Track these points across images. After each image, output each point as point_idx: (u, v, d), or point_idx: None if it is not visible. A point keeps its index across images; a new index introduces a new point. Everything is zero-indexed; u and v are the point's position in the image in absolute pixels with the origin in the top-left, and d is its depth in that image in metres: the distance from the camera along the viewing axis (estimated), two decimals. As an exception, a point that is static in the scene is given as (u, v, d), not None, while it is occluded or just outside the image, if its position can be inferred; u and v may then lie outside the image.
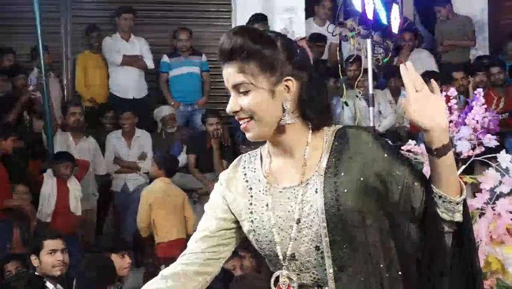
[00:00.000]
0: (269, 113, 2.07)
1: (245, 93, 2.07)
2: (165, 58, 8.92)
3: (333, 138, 2.13)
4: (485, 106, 3.41)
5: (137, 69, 8.80)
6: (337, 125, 2.18)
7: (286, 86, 2.08)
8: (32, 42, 7.94)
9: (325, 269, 2.08)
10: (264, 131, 2.09)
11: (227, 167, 2.33)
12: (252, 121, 2.08)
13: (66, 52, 8.91)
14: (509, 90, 8.30)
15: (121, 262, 5.15)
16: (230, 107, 2.10)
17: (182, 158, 8.24)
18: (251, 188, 2.19)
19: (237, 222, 2.22)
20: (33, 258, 5.03)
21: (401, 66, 2.02)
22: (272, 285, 2.17)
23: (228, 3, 9.35)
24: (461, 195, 2.03)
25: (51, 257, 4.99)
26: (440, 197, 2.03)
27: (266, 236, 2.13)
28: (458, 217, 2.04)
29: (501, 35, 9.55)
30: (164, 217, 7.00)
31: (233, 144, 8.24)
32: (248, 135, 2.12)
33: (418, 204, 2.06)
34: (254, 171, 2.21)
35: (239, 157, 2.29)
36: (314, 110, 2.11)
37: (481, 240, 3.23)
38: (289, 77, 2.08)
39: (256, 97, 2.06)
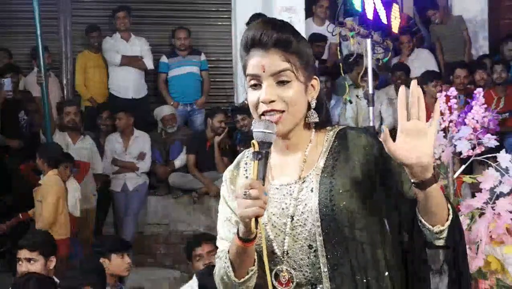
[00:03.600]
0: (301, 108, 2.10)
1: (284, 83, 2.06)
2: (163, 59, 8.93)
3: (333, 138, 2.14)
4: (485, 105, 3.40)
5: (137, 69, 8.80)
6: (339, 125, 2.19)
7: (312, 85, 2.12)
8: (31, 42, 7.93)
9: (319, 268, 2.09)
10: (293, 125, 2.10)
11: (228, 165, 2.33)
12: (284, 114, 2.06)
13: (66, 52, 8.91)
14: (510, 90, 8.30)
15: (121, 262, 5.14)
16: (268, 96, 2.05)
17: (182, 158, 8.24)
18: None
19: None
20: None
21: (401, 88, 1.97)
22: (273, 279, 2.16)
23: (228, 2, 9.36)
24: (444, 224, 1.99)
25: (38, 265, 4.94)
26: (420, 221, 2.01)
27: (260, 233, 2.12)
28: (440, 243, 2.01)
29: (501, 35, 9.55)
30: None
31: (233, 144, 8.24)
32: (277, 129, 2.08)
33: (406, 215, 2.06)
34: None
35: (242, 152, 2.30)
36: (322, 110, 2.16)
37: (480, 240, 3.22)
38: (315, 76, 2.13)
39: (296, 89, 2.07)
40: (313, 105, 2.12)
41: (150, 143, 8.26)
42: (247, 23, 8.64)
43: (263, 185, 1.96)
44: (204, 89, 9.01)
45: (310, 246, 2.09)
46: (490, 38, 9.60)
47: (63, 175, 7.06)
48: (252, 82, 2.08)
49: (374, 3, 5.85)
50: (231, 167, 2.28)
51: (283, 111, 2.05)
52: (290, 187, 2.11)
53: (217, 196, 7.80)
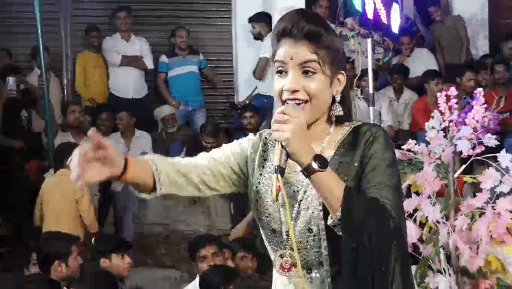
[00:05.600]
0: (324, 101, 2.14)
1: (310, 74, 2.11)
2: (163, 58, 8.93)
3: (348, 132, 2.19)
4: (485, 105, 3.41)
5: (137, 69, 8.81)
6: (358, 121, 2.24)
7: (338, 79, 2.17)
8: (32, 42, 7.94)
9: (317, 252, 2.13)
10: (314, 117, 2.14)
11: None
12: (307, 105, 2.11)
13: (66, 52, 8.90)
14: (511, 89, 8.29)
15: (121, 262, 5.14)
16: (292, 85, 2.10)
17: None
18: (265, 160, 2.25)
19: (239, 178, 2.26)
20: (57, 264, 4.95)
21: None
22: (275, 264, 2.21)
23: (228, 2, 9.36)
24: (333, 217, 2.01)
25: (76, 262, 4.97)
26: None
27: (267, 209, 2.20)
28: (338, 231, 2.02)
29: (501, 34, 9.54)
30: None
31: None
32: None
33: None
34: (274, 146, 2.24)
35: (263, 130, 2.34)
36: (345, 107, 2.20)
37: (481, 240, 3.23)
38: (342, 71, 2.18)
39: (321, 82, 2.11)
40: (338, 99, 2.17)
41: (151, 143, 8.26)
42: (249, 20, 8.64)
43: (284, 167, 2.00)
44: (213, 81, 9.09)
45: (309, 230, 2.13)
46: (490, 37, 9.59)
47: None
48: (279, 69, 2.14)
49: (374, 3, 5.85)
50: (253, 135, 2.33)
51: (306, 101, 2.11)
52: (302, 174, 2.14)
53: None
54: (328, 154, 2.15)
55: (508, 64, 8.58)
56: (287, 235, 2.16)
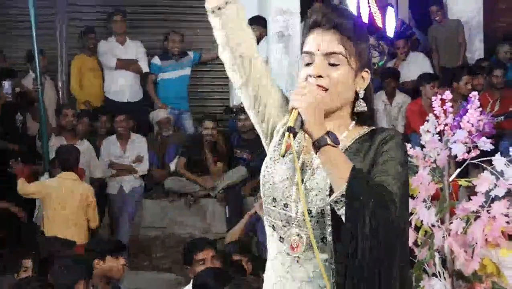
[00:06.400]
0: (344, 94, 2.20)
1: (334, 65, 2.17)
2: (155, 60, 8.93)
3: (366, 132, 2.23)
4: (480, 109, 3.41)
5: (132, 73, 8.80)
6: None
7: (362, 77, 2.22)
8: (28, 45, 7.93)
9: (309, 236, 2.14)
10: (330, 106, 2.17)
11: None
12: (326, 93, 2.16)
13: (62, 55, 8.90)
14: (506, 93, 8.30)
15: (115, 264, 5.12)
16: (316, 70, 2.16)
17: (177, 161, 8.23)
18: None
19: (263, 116, 2.36)
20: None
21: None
22: (285, 244, 2.20)
23: (224, 6, 9.35)
24: (336, 195, 2.04)
25: None
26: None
27: (272, 176, 2.22)
28: (341, 212, 2.04)
29: (497, 37, 9.56)
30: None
31: (230, 147, 8.23)
32: None
33: None
34: None
35: None
36: (368, 104, 2.24)
37: (476, 243, 3.23)
38: (367, 69, 2.23)
39: (344, 73, 2.18)
40: (361, 95, 2.21)
41: (147, 145, 8.25)
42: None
43: (298, 131, 2.05)
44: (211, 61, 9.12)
45: (309, 211, 2.14)
46: (485, 40, 9.60)
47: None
48: (306, 60, 2.21)
49: (369, 6, 5.87)
50: None
51: (326, 90, 2.16)
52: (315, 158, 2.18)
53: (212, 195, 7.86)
54: (343, 146, 2.18)
55: (505, 68, 8.56)
56: (286, 207, 2.18)
